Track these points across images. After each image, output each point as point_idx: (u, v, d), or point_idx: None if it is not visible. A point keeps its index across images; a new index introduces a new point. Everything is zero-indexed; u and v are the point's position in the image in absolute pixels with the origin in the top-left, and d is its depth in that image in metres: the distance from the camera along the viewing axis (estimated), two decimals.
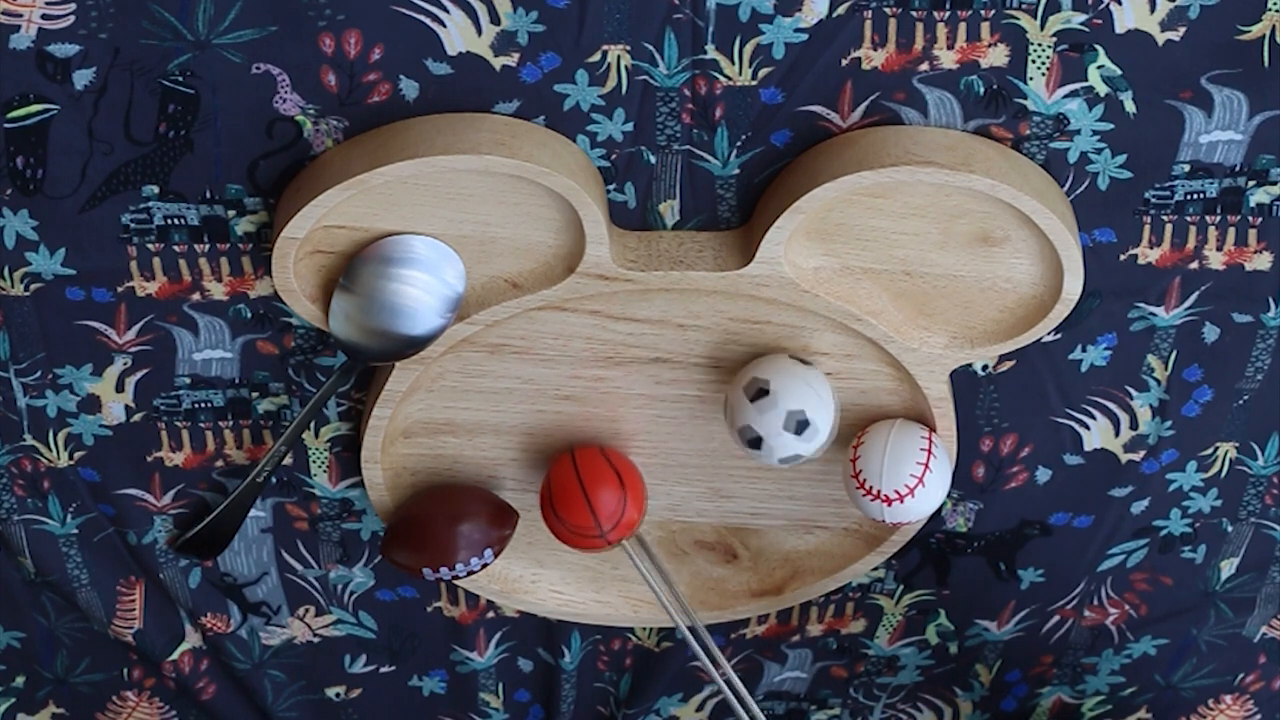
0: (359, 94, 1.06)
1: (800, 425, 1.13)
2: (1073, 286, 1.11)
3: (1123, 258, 1.15)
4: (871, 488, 1.16)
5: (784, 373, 1.13)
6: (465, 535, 1.17)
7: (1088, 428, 1.22)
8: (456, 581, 1.23)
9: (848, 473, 1.16)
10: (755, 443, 1.13)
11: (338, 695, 1.34)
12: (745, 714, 1.22)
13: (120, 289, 1.13)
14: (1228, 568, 1.30)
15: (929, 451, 1.15)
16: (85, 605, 1.27)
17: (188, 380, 1.18)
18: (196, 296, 1.14)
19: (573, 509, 1.16)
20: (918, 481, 1.15)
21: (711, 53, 1.06)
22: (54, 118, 1.06)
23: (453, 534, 1.17)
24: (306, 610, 1.29)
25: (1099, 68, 1.07)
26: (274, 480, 1.23)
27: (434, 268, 1.10)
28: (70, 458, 1.20)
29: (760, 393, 1.13)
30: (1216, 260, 1.15)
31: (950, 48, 1.06)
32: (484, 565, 1.18)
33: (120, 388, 1.17)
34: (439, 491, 1.20)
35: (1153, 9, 1.05)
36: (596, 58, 1.06)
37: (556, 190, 1.07)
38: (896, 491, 1.16)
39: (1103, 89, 1.08)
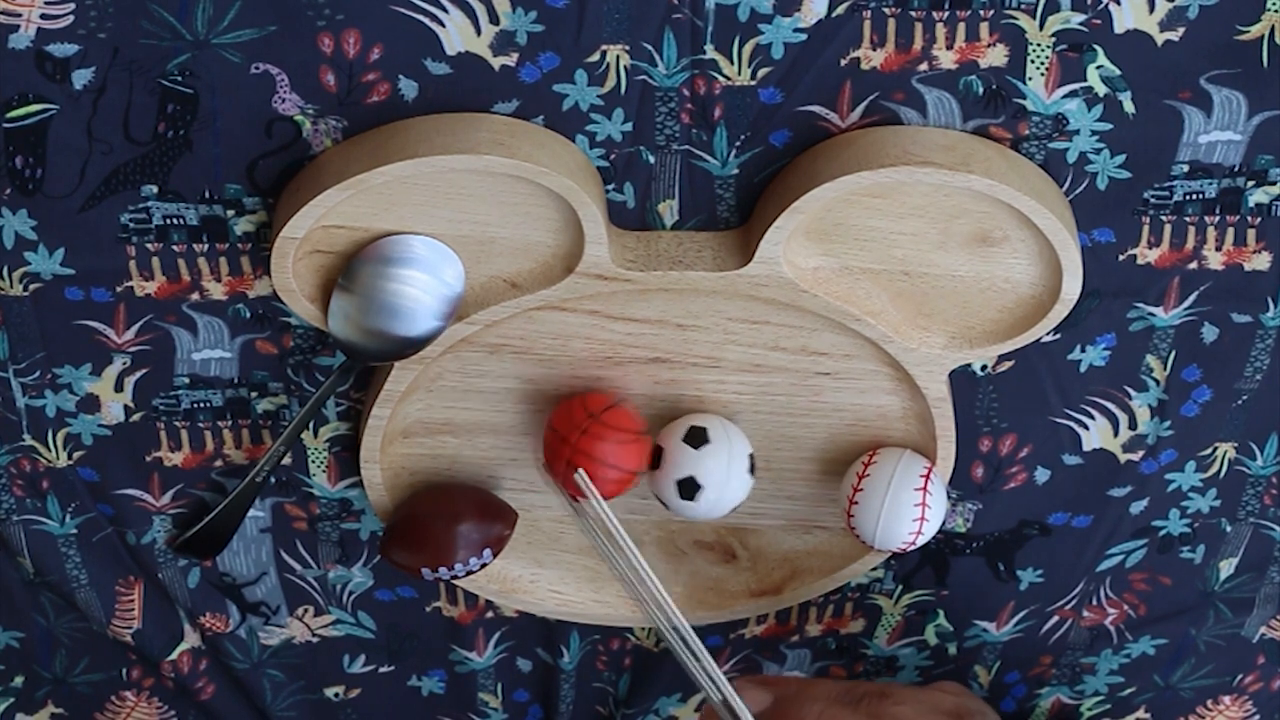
0: (358, 94, 1.06)
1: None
2: (1071, 287, 1.11)
3: (1122, 258, 1.15)
4: (868, 545, 1.18)
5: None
6: (464, 535, 1.17)
7: (1087, 428, 1.22)
8: (455, 582, 1.23)
9: (844, 521, 1.18)
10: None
11: (337, 695, 1.34)
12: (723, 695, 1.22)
13: (119, 289, 1.13)
14: (1226, 568, 1.30)
15: (924, 504, 1.16)
16: (84, 605, 1.27)
17: (187, 380, 1.18)
18: (195, 296, 1.14)
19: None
20: (914, 535, 1.17)
21: (710, 53, 1.06)
22: (53, 117, 1.06)
23: (452, 534, 1.17)
24: (305, 610, 1.29)
25: (1098, 68, 1.07)
26: (273, 480, 1.23)
27: (433, 268, 1.10)
28: (69, 457, 1.20)
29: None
30: (1215, 260, 1.15)
31: (949, 48, 1.06)
32: (483, 565, 1.18)
33: (119, 387, 1.17)
34: (438, 491, 1.20)
35: (1152, 9, 1.05)
36: (595, 58, 1.06)
37: (555, 190, 1.07)
38: (894, 548, 1.18)
39: (1102, 89, 1.08)
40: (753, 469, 1.16)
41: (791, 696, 1.18)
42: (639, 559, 1.17)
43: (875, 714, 1.16)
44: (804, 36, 1.06)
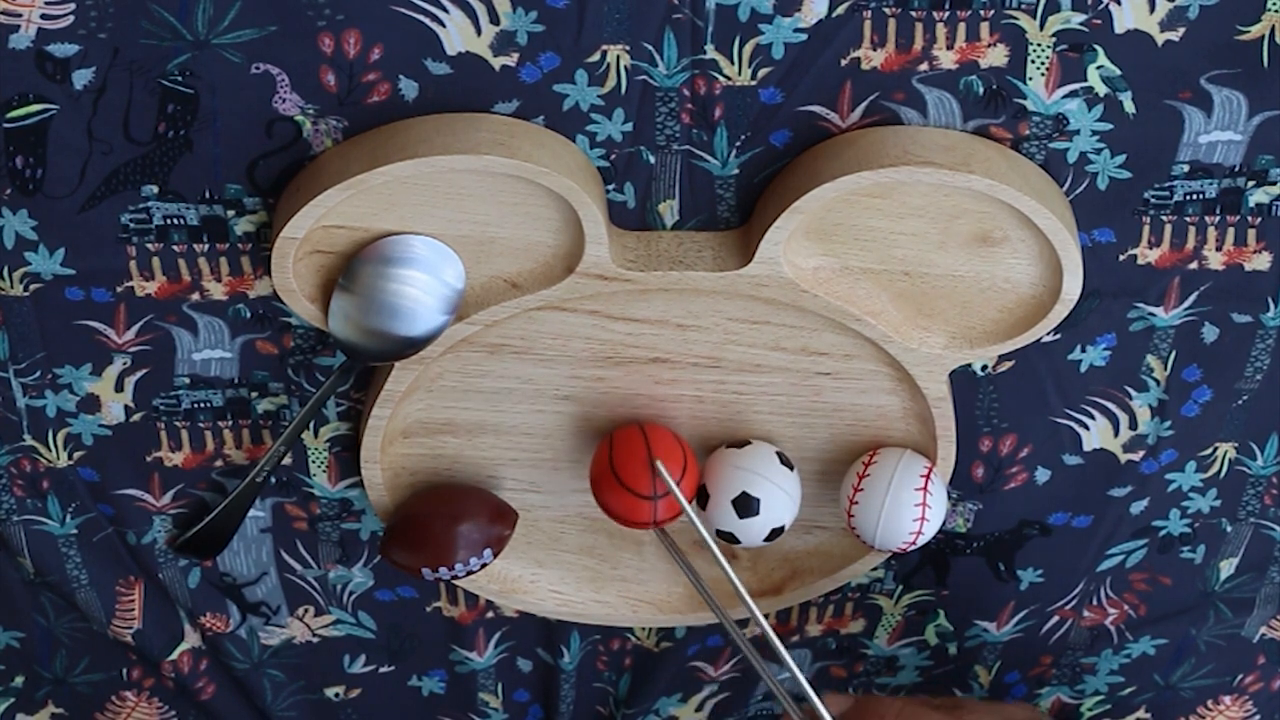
0: (358, 94, 1.06)
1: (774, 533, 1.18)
2: (1072, 287, 1.11)
3: (1122, 258, 1.15)
4: (868, 545, 1.19)
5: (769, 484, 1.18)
6: (464, 535, 1.17)
7: (1087, 428, 1.22)
8: (456, 582, 1.23)
9: (844, 521, 1.18)
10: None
11: (337, 695, 1.34)
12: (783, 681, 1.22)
13: (119, 289, 1.13)
14: (1227, 568, 1.30)
15: (924, 504, 1.16)
16: (84, 605, 1.27)
17: (187, 380, 1.18)
18: (196, 296, 1.14)
19: (635, 472, 1.16)
20: (915, 535, 1.17)
21: (711, 53, 1.06)
22: (53, 117, 1.06)
23: (452, 534, 1.17)
24: (306, 610, 1.29)
25: (1098, 68, 1.07)
26: (273, 480, 1.23)
27: (433, 268, 1.10)
28: (69, 458, 1.20)
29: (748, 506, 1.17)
30: (1216, 260, 1.15)
31: (949, 48, 1.06)
32: (483, 565, 1.18)
33: (119, 387, 1.17)
34: (438, 491, 1.20)
35: (1152, 9, 1.05)
36: (596, 58, 1.06)
37: (556, 190, 1.07)
38: (894, 548, 1.18)
39: (1102, 89, 1.08)
40: (786, 463, 1.18)
41: (868, 699, 1.20)
42: (729, 570, 1.18)
43: (952, 715, 1.18)
44: (804, 36, 1.06)
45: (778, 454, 1.18)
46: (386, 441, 1.18)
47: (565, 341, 1.15)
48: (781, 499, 1.17)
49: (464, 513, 1.18)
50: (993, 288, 1.12)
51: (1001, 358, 1.18)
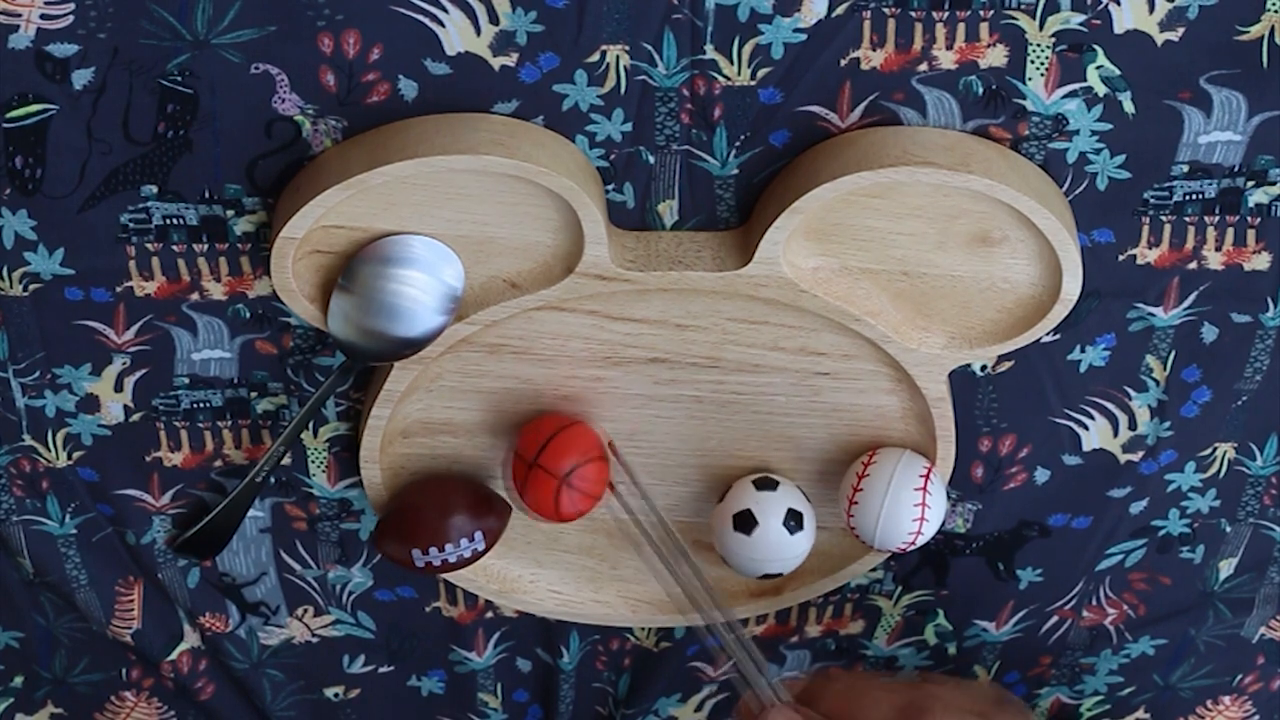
0: (358, 94, 1.06)
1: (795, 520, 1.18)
2: (1071, 287, 1.11)
3: (1121, 258, 1.15)
4: (868, 545, 1.18)
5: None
6: (455, 519, 1.17)
7: (1086, 428, 1.22)
8: (452, 576, 1.23)
9: (843, 521, 1.18)
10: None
11: (336, 695, 1.34)
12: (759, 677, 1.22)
13: (119, 289, 1.13)
14: (1226, 568, 1.30)
15: (923, 504, 1.16)
16: (84, 605, 1.27)
17: (186, 380, 1.18)
18: (195, 296, 1.14)
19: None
20: (914, 535, 1.17)
21: (710, 53, 1.06)
22: (53, 117, 1.06)
23: (443, 519, 1.17)
24: (305, 610, 1.29)
25: (1098, 68, 1.07)
26: (272, 480, 1.23)
27: (432, 268, 1.10)
28: (69, 458, 1.20)
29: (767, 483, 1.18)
30: (1215, 260, 1.15)
31: (949, 48, 1.06)
32: (474, 551, 1.18)
33: (119, 387, 1.18)
34: (429, 481, 1.19)
35: (1151, 9, 1.05)
36: (595, 58, 1.06)
37: (555, 190, 1.07)
38: (894, 548, 1.18)
39: (1101, 89, 1.08)
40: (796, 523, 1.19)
41: (818, 679, 1.20)
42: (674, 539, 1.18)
43: (914, 687, 1.18)
44: (804, 36, 1.06)
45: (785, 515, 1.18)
46: (386, 441, 1.18)
47: (565, 341, 1.15)
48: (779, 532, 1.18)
49: (455, 499, 1.17)
50: (992, 288, 1.12)
51: (1001, 358, 1.18)
